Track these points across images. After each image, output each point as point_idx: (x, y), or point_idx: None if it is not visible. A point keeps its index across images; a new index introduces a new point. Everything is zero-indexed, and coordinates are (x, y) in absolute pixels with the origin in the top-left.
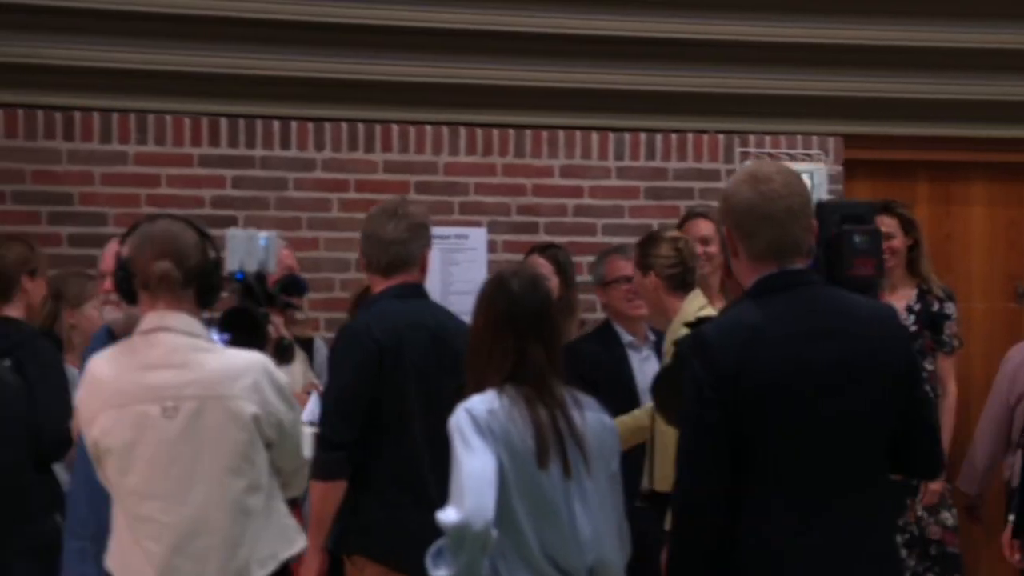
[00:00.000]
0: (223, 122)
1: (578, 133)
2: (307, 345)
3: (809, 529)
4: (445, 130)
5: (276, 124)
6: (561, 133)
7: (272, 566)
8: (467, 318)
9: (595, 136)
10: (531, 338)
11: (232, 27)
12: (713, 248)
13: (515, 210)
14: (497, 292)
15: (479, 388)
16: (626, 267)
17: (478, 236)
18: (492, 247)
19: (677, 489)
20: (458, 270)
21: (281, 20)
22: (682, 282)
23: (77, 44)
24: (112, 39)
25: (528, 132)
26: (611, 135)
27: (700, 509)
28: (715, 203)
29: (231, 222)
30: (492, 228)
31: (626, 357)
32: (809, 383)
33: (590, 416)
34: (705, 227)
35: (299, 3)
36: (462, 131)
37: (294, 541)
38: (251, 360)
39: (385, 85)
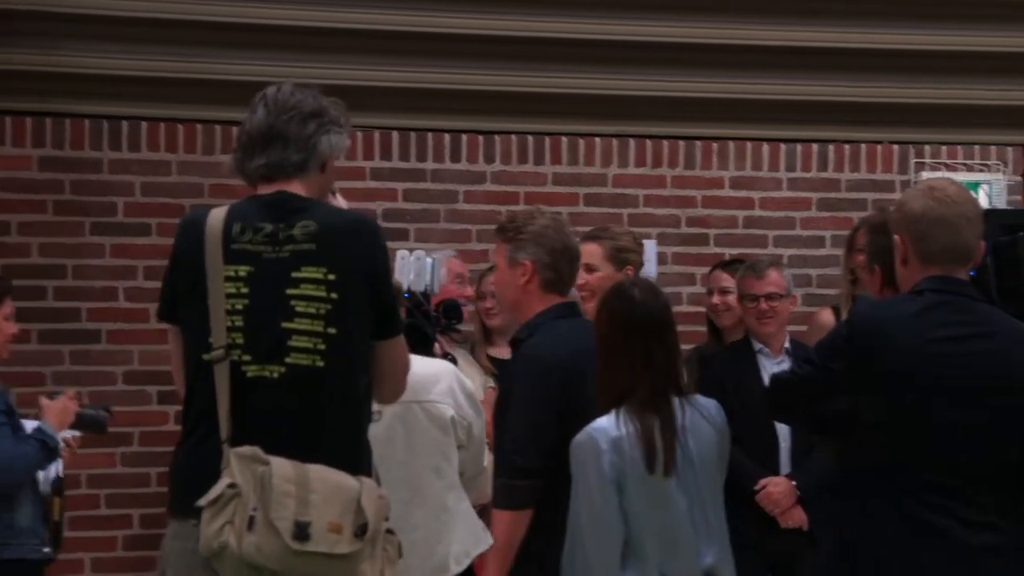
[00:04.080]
0: (395, 135)
1: (749, 144)
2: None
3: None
4: (615, 142)
5: (447, 137)
6: (731, 144)
7: (466, 563)
8: None
9: (766, 147)
10: (655, 342)
11: (403, 41)
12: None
13: (685, 222)
14: (620, 301)
15: (609, 394)
16: (757, 285)
17: (648, 248)
18: (662, 259)
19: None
20: None
21: (451, 34)
22: None
23: (245, 59)
24: (282, 54)
25: (698, 143)
26: (782, 146)
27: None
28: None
29: (402, 235)
30: (662, 240)
31: (756, 364)
32: (937, 384)
33: (701, 420)
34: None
35: (470, 16)
36: (632, 143)
37: (482, 540)
38: (443, 366)
39: (555, 97)
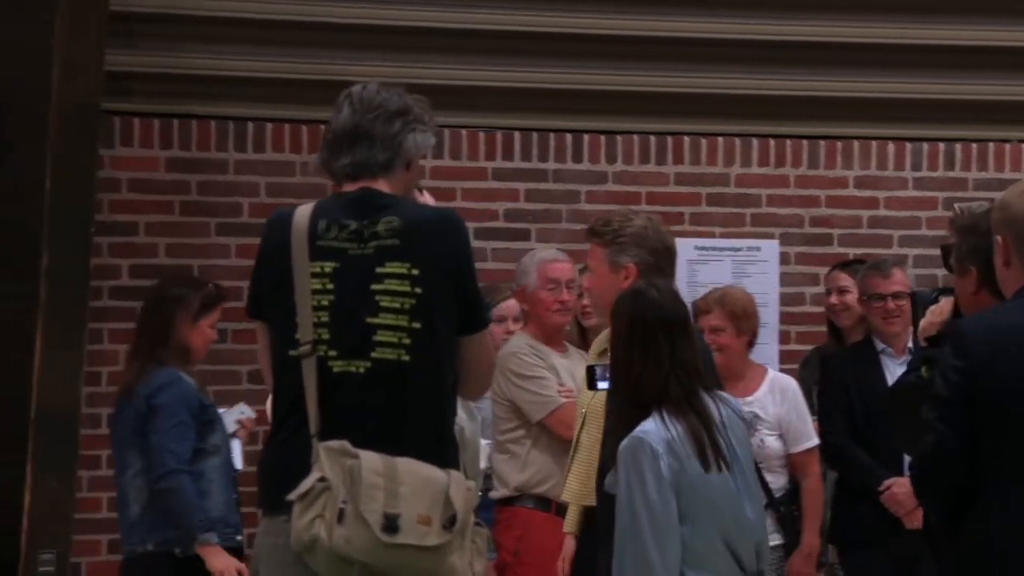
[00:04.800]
0: (517, 136)
1: (873, 143)
2: None
3: None
4: (738, 141)
5: (569, 137)
6: (856, 143)
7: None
8: (761, 330)
9: (891, 146)
10: (679, 339)
11: (525, 41)
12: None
13: (808, 222)
14: (639, 302)
15: (636, 394)
16: (883, 284)
17: (770, 248)
18: (784, 259)
19: (917, 454)
20: (750, 283)
21: (574, 34)
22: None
23: (368, 60)
24: (407, 55)
25: (822, 143)
26: (908, 145)
27: (938, 467)
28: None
29: (524, 235)
30: (784, 240)
31: (879, 364)
32: None
33: (733, 415)
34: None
35: (592, 16)
36: (755, 142)
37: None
38: None
39: (677, 97)
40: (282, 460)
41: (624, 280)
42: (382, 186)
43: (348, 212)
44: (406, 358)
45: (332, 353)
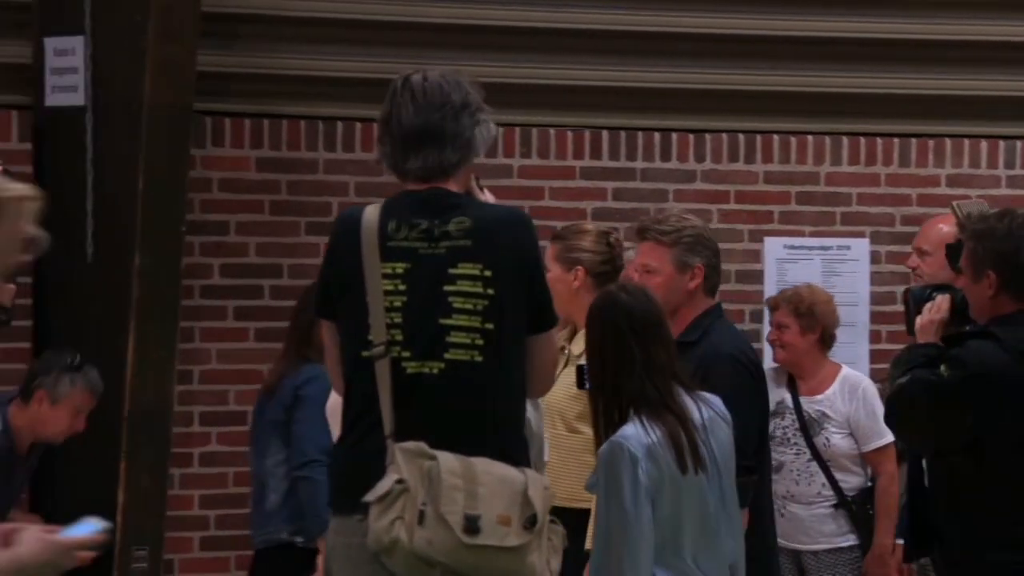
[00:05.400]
0: (605, 134)
1: (966, 141)
2: None
3: None
4: (827, 140)
5: (657, 136)
6: (948, 141)
7: None
8: (850, 329)
9: (984, 144)
10: (653, 342)
11: (614, 40)
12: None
13: (899, 220)
14: (610, 306)
15: (620, 401)
16: None
17: (860, 247)
18: (875, 258)
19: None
20: (840, 281)
21: (663, 33)
22: (608, 280)
23: (459, 59)
24: (497, 54)
25: (913, 141)
26: (1001, 143)
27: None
28: None
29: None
30: (875, 239)
31: None
32: None
33: (715, 416)
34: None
35: (681, 15)
36: (844, 141)
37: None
38: None
39: (766, 95)
40: (356, 461)
41: (691, 281)
42: (451, 185)
43: (418, 212)
44: (479, 359)
45: (405, 354)
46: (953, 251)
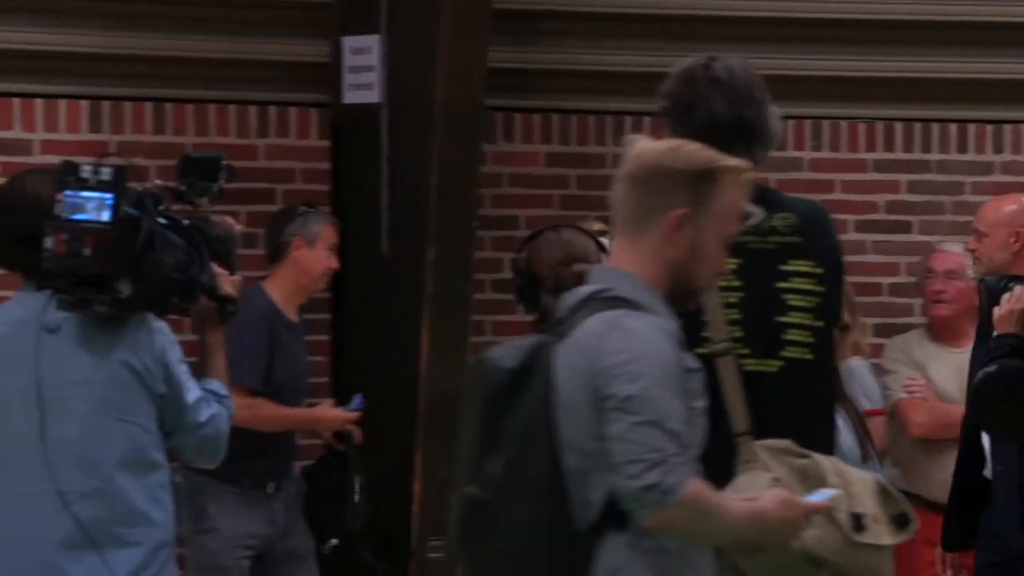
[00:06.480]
0: (898, 127)
1: None
2: None
3: None
4: None
5: (953, 128)
6: None
7: None
8: None
9: None
10: None
11: (906, 31)
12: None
13: None
14: None
15: None
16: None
17: None
18: None
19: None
20: None
21: (953, 22)
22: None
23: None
24: (788, 46)
25: None
26: None
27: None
28: None
29: (905, 228)
30: None
31: None
32: None
33: None
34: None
35: (974, 3)
36: None
37: None
38: None
39: None
40: (703, 457)
41: None
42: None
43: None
44: (809, 357)
45: (745, 351)
46: None
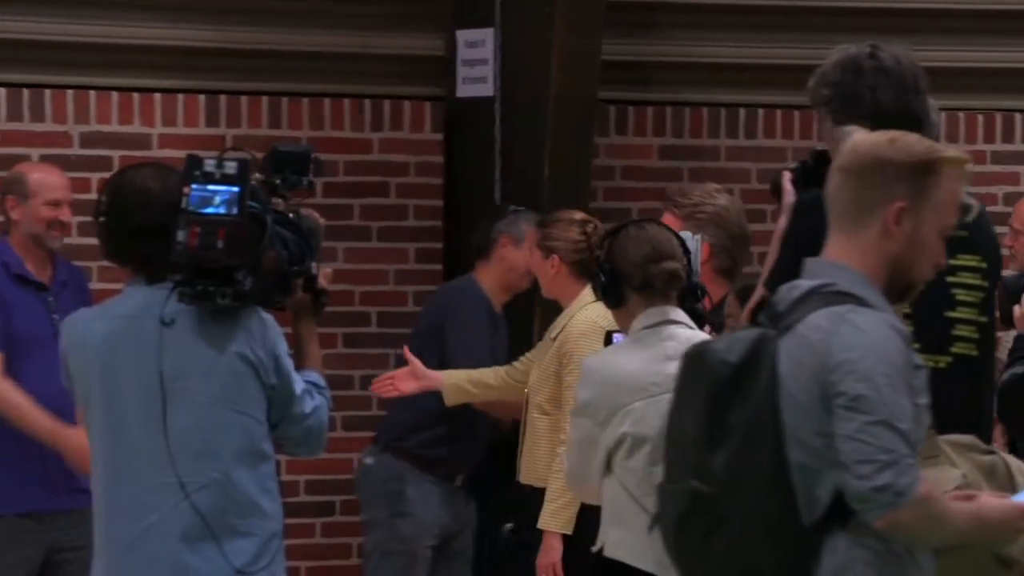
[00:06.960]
0: (1018, 117)
1: None
2: None
3: None
4: None
5: None
6: None
7: None
8: None
9: None
10: None
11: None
12: None
13: None
14: None
15: None
16: None
17: None
18: None
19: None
20: None
21: None
22: (585, 268)
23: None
24: (905, 37)
25: None
26: None
27: None
28: None
29: None
30: None
31: None
32: None
33: None
34: None
35: None
36: None
37: None
38: None
39: None
40: None
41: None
42: None
43: None
44: (975, 353)
45: (916, 347)
46: None
